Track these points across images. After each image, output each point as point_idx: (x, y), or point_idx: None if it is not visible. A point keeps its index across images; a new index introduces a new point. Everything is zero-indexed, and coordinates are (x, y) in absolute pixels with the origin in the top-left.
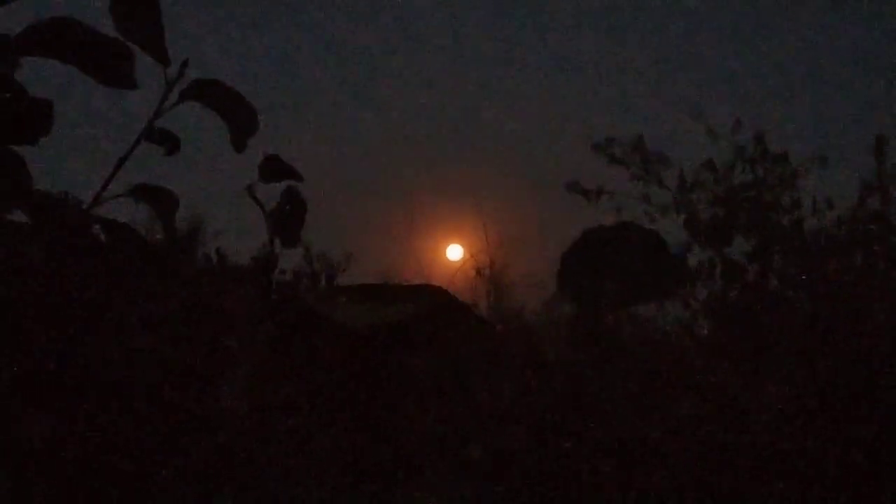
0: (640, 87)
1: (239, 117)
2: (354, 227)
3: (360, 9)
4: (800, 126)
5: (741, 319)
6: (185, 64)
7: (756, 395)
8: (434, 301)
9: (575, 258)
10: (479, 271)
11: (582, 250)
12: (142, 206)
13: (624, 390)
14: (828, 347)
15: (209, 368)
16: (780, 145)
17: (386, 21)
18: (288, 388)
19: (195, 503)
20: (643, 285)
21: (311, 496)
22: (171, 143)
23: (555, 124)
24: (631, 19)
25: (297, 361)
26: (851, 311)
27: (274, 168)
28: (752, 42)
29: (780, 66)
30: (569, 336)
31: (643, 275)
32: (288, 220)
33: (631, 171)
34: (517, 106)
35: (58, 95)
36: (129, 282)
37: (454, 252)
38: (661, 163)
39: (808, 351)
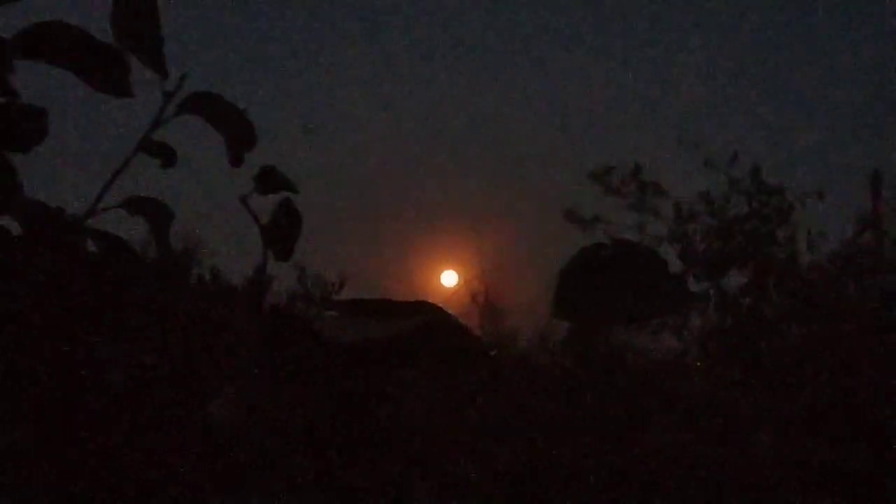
0: (636, 116)
1: (237, 132)
2: (349, 252)
3: (360, 29)
4: (796, 159)
5: (735, 347)
6: (183, 77)
7: (751, 411)
8: (429, 318)
9: (572, 275)
10: (473, 297)
11: (580, 268)
12: (136, 224)
13: (618, 410)
14: (819, 375)
15: (197, 380)
16: (775, 178)
17: (385, 40)
18: (275, 401)
19: None
20: (642, 304)
21: None
22: (167, 156)
23: (552, 152)
24: (630, 48)
25: (286, 376)
26: (842, 343)
27: (270, 179)
28: (750, 74)
29: (779, 98)
30: (562, 355)
31: (643, 294)
32: (282, 232)
33: (627, 200)
34: (514, 133)
35: (52, 106)
36: (121, 294)
37: (449, 278)
38: (658, 193)
39: (800, 377)
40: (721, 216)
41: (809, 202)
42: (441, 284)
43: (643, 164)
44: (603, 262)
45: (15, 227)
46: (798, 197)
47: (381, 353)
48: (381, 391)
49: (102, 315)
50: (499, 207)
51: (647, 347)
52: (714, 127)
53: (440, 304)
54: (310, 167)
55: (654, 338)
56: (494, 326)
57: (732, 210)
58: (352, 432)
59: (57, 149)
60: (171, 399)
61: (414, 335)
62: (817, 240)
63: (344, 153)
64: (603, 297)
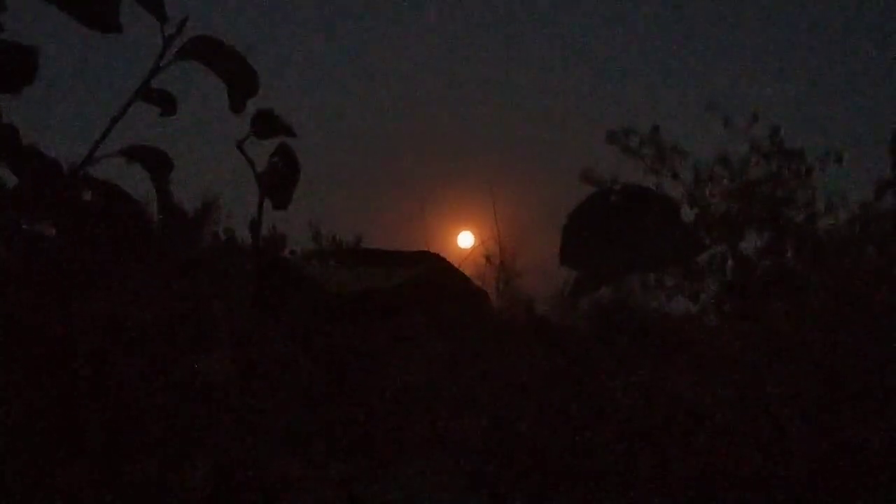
0: (656, 78)
1: (238, 78)
2: (365, 213)
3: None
4: (816, 122)
5: (751, 308)
6: (183, 21)
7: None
8: (430, 267)
9: (580, 221)
10: (488, 258)
11: (588, 214)
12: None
13: (631, 361)
14: (836, 341)
15: (189, 334)
16: (795, 141)
17: (399, 8)
18: (269, 354)
19: (168, 473)
20: (653, 252)
21: (289, 474)
22: (167, 104)
23: (570, 114)
24: (647, 12)
25: (282, 327)
26: (861, 308)
27: (267, 123)
28: (770, 37)
29: (798, 62)
30: (570, 308)
31: (653, 241)
32: (280, 178)
33: (645, 162)
34: (533, 95)
35: (53, 59)
36: (120, 246)
37: (465, 239)
38: (676, 154)
39: (817, 343)
40: (740, 178)
41: (828, 165)
42: (457, 245)
43: (661, 126)
44: (613, 208)
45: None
46: (817, 159)
47: (382, 302)
48: (380, 345)
49: (101, 268)
50: (516, 168)
51: (661, 308)
52: (734, 89)
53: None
54: (327, 129)
55: (670, 301)
56: (509, 287)
57: (751, 172)
58: (349, 387)
59: (58, 99)
60: (163, 354)
61: (413, 285)
62: (836, 202)
63: (362, 115)
64: (612, 244)
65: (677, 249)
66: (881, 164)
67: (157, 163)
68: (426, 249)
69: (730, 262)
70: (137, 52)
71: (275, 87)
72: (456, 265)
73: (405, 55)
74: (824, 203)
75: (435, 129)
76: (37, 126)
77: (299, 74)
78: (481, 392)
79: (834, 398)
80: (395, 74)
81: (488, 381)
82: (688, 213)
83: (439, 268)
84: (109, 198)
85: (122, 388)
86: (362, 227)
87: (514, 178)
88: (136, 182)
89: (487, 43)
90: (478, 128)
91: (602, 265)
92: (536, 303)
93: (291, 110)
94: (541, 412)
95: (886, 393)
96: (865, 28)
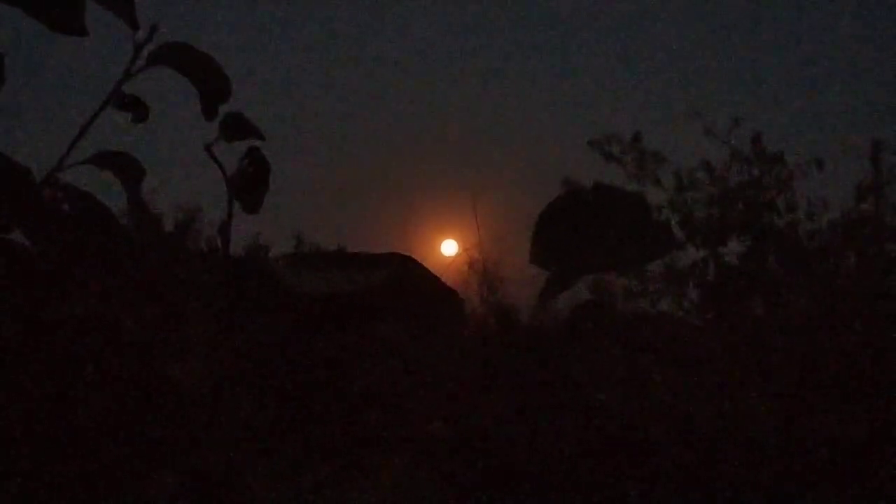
0: (637, 86)
1: (210, 83)
2: (348, 222)
3: (356, 4)
4: (797, 128)
5: (733, 312)
6: (154, 28)
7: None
8: (400, 268)
9: (552, 220)
10: (471, 266)
11: (560, 212)
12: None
13: (605, 362)
14: (817, 344)
15: (161, 336)
16: (776, 147)
17: (382, 15)
18: (242, 357)
19: (140, 480)
20: (625, 250)
21: (258, 476)
22: (138, 110)
23: (551, 121)
24: (628, 18)
25: (253, 330)
26: (842, 313)
27: (235, 126)
28: (751, 43)
29: (779, 68)
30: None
31: (625, 240)
32: (250, 182)
33: (627, 169)
34: (514, 102)
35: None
36: (92, 252)
37: (449, 247)
38: (658, 161)
39: (799, 343)
40: (721, 184)
41: (809, 170)
42: (441, 254)
43: (643, 133)
44: (584, 206)
45: None
46: (798, 165)
47: (352, 305)
48: (351, 348)
49: (72, 275)
50: (498, 177)
51: (645, 311)
52: (715, 95)
53: (443, 273)
54: (309, 138)
55: (654, 305)
56: (493, 295)
57: (733, 178)
58: (320, 392)
59: (34, 108)
60: (134, 361)
61: (385, 285)
62: (817, 208)
63: (343, 124)
64: (584, 242)
65: (648, 247)
66: (862, 172)
67: (128, 170)
68: (396, 251)
69: (712, 267)
70: (113, 59)
71: (266, 96)
72: (439, 273)
73: (385, 64)
74: (805, 208)
75: (418, 138)
76: (7, 133)
77: (275, 79)
78: (451, 393)
79: (813, 396)
80: (374, 81)
81: (459, 382)
82: (670, 218)
83: (409, 268)
84: (81, 205)
85: (90, 395)
86: (345, 237)
87: (497, 186)
88: (117, 193)
89: (469, 51)
90: (461, 136)
91: (571, 264)
92: (518, 308)
93: (264, 120)
94: (510, 412)
95: (864, 391)
96: (848, 36)
